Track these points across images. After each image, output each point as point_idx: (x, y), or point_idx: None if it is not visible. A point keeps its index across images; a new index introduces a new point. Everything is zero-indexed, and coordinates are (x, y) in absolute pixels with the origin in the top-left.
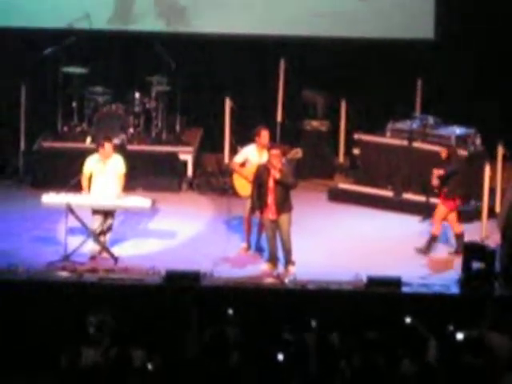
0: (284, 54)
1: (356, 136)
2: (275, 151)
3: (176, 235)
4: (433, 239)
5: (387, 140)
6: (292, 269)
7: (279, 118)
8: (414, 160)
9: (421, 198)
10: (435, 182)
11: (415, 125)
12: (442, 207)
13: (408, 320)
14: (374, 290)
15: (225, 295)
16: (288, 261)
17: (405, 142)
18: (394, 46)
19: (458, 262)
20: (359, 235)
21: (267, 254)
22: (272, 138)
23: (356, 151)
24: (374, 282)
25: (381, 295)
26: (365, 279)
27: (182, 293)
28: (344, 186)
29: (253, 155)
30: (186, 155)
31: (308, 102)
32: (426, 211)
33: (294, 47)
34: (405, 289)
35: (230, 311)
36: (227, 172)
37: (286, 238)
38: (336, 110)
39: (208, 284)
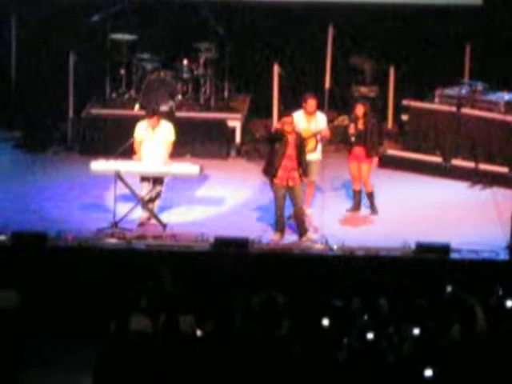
0: (332, 19)
1: (404, 102)
2: (289, 119)
3: (224, 202)
4: (361, 194)
5: (436, 106)
6: (308, 237)
7: (327, 84)
8: (462, 126)
9: (469, 164)
10: (352, 130)
11: (464, 91)
12: (366, 165)
13: (449, 288)
14: (422, 257)
15: (273, 262)
16: (302, 230)
17: (453, 108)
18: (442, 11)
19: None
20: (408, 201)
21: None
22: (320, 105)
23: (404, 117)
24: (422, 248)
25: (429, 261)
26: (413, 245)
27: (231, 259)
28: (392, 152)
29: (301, 121)
30: (235, 122)
31: (356, 68)
32: (474, 177)
33: (342, 13)
34: (453, 255)
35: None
36: (260, 138)
37: (299, 208)
38: (384, 75)
39: (256, 251)
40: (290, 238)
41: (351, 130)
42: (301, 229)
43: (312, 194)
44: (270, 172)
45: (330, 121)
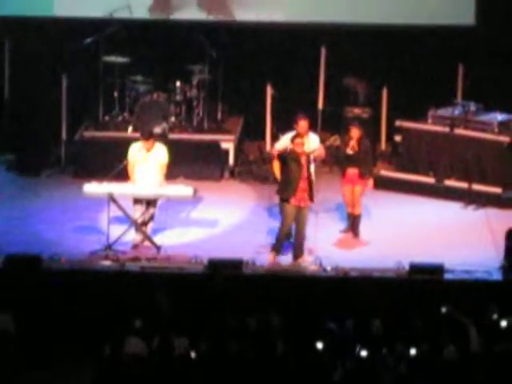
0: (325, 41)
1: (398, 123)
2: (298, 140)
3: (218, 224)
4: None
5: (429, 127)
6: (302, 261)
7: (320, 105)
8: (455, 146)
9: (463, 185)
10: (350, 151)
11: (457, 111)
12: (359, 187)
13: (444, 309)
14: (416, 278)
15: (267, 283)
16: (299, 253)
17: (447, 129)
18: (435, 31)
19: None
20: (401, 222)
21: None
22: (313, 125)
23: (398, 138)
24: (416, 269)
25: (423, 282)
26: (407, 267)
27: (225, 281)
28: (386, 172)
29: None
30: (228, 143)
31: (349, 89)
32: (468, 197)
33: (335, 34)
34: (447, 276)
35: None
36: (268, 159)
37: (302, 230)
38: (377, 97)
39: (250, 272)
40: (284, 258)
41: (349, 149)
42: (298, 251)
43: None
44: (286, 192)
45: (321, 141)
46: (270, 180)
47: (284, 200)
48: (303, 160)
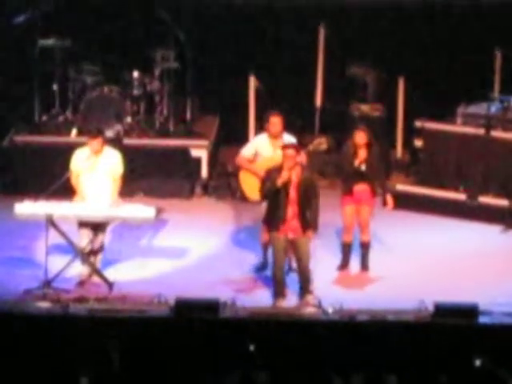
0: (324, 19)
1: (418, 124)
2: (290, 151)
3: (187, 253)
4: (351, 247)
5: (458, 128)
6: (311, 299)
7: (318, 101)
8: (492, 153)
9: (502, 202)
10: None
11: (494, 108)
12: (367, 208)
13: (478, 361)
14: (442, 321)
15: (251, 330)
16: (305, 290)
17: (481, 131)
18: (467, 7)
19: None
20: (423, 250)
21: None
22: (309, 127)
23: (418, 143)
24: (443, 310)
25: (452, 327)
26: (431, 307)
27: (195, 327)
28: (403, 187)
29: (264, 147)
30: (200, 150)
31: (356, 81)
32: (508, 218)
33: (337, 11)
34: (482, 319)
35: (253, 349)
36: (234, 172)
37: (305, 263)
38: (392, 90)
39: (229, 315)
40: (264, 294)
41: (358, 161)
42: (303, 290)
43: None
44: (272, 221)
45: (304, 145)
46: (235, 196)
47: (271, 231)
48: (294, 176)
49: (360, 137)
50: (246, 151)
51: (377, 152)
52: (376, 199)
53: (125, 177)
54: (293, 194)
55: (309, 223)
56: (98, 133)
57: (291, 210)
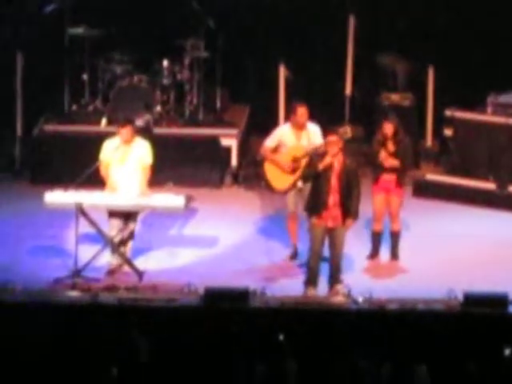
0: (353, 7)
1: (448, 113)
2: (332, 137)
3: (217, 242)
4: (381, 236)
5: (488, 117)
6: (341, 288)
7: (348, 90)
8: None
9: None
10: (383, 156)
11: None
12: (397, 198)
13: (507, 351)
14: (472, 311)
15: (280, 319)
16: (336, 279)
17: (511, 121)
18: None
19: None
20: (453, 240)
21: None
22: (339, 116)
23: (448, 132)
24: (472, 299)
25: (482, 317)
26: (461, 296)
27: (225, 317)
28: (433, 176)
29: (288, 137)
30: (230, 139)
31: (386, 70)
32: None
33: (366, 0)
34: None
35: (282, 338)
36: (260, 162)
37: (339, 253)
38: (421, 79)
39: (258, 305)
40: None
41: (382, 156)
42: (332, 280)
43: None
44: (314, 209)
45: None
46: (260, 186)
47: (309, 218)
48: (336, 164)
49: (388, 128)
50: (270, 142)
51: (407, 143)
52: (405, 189)
53: (154, 166)
54: (334, 181)
55: (349, 211)
56: (128, 122)
57: (332, 198)
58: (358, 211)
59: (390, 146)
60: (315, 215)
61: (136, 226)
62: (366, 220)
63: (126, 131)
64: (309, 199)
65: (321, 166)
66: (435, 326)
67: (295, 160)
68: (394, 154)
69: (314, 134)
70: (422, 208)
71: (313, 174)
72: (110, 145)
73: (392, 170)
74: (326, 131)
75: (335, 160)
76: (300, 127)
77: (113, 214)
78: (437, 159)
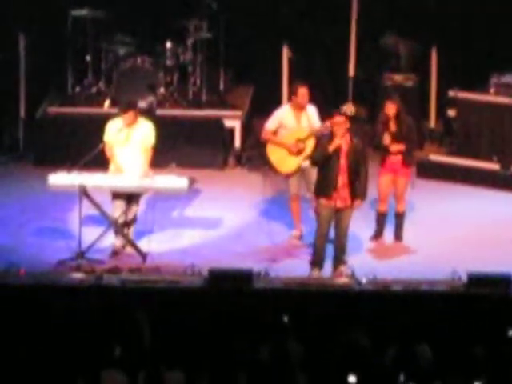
0: None
1: (451, 93)
2: (340, 118)
3: (221, 224)
4: (386, 217)
5: (491, 98)
6: (345, 269)
7: (351, 71)
8: None
9: None
10: (387, 140)
11: None
12: (403, 178)
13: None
14: (476, 291)
15: (284, 300)
16: (339, 260)
17: None
18: None
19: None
20: (456, 220)
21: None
22: (342, 97)
23: (451, 113)
24: (476, 280)
25: (485, 297)
26: (465, 277)
27: (229, 298)
28: (436, 157)
29: (288, 119)
30: (233, 121)
31: (388, 51)
32: None
33: None
34: None
35: (286, 319)
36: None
37: (344, 233)
38: (425, 60)
39: (262, 286)
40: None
41: (386, 139)
42: (338, 260)
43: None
44: (323, 190)
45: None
46: (264, 169)
47: (317, 199)
48: (344, 145)
49: (390, 108)
50: (271, 124)
51: (410, 124)
52: (411, 169)
53: (157, 148)
54: (343, 162)
55: (357, 192)
56: (129, 107)
57: (341, 179)
58: (367, 192)
59: (393, 127)
60: (324, 197)
61: (139, 208)
62: (369, 200)
63: (127, 116)
64: (318, 181)
65: (330, 148)
66: (439, 307)
67: (299, 141)
68: (397, 135)
69: (312, 115)
70: (426, 189)
71: (323, 156)
72: (113, 126)
73: (397, 152)
74: (330, 112)
75: (343, 140)
76: (300, 108)
77: (116, 195)
78: (440, 140)
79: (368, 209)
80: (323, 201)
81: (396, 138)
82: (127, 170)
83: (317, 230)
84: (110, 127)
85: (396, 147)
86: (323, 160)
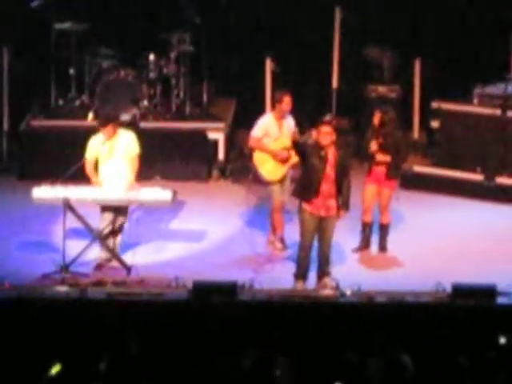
0: (340, 0)
1: (434, 105)
2: (326, 128)
3: (205, 236)
4: (372, 228)
5: (475, 109)
6: (329, 281)
7: (335, 83)
8: (509, 134)
9: None
10: (374, 147)
11: (510, 89)
12: (387, 190)
13: (503, 340)
14: (461, 303)
15: (268, 312)
16: (323, 272)
17: (497, 112)
18: None
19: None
20: (441, 231)
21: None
22: (326, 109)
23: (435, 124)
24: (460, 291)
25: (470, 309)
26: (449, 288)
27: (213, 310)
28: (420, 168)
29: (272, 127)
30: (217, 133)
31: (372, 63)
32: None
33: None
34: (501, 300)
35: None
36: (248, 154)
37: (328, 243)
38: (408, 71)
39: (247, 298)
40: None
41: (373, 146)
42: (322, 271)
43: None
44: (303, 196)
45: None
46: (249, 178)
47: (301, 207)
48: (330, 154)
49: (376, 117)
50: (257, 132)
51: (398, 138)
52: (396, 181)
53: (142, 160)
54: (330, 172)
55: (341, 202)
56: (107, 121)
57: (328, 188)
58: (349, 202)
59: (379, 137)
60: (305, 201)
61: (125, 220)
62: (357, 211)
63: (107, 130)
64: (298, 185)
65: (316, 160)
66: (424, 319)
67: (285, 150)
68: (383, 145)
69: (291, 124)
70: (410, 200)
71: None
72: (95, 141)
73: (382, 163)
74: (312, 123)
75: (329, 151)
76: (282, 117)
77: (104, 207)
78: (424, 151)
79: (353, 219)
80: (308, 208)
81: (382, 149)
82: (112, 181)
83: (300, 241)
84: (92, 143)
85: (382, 157)
86: (305, 166)
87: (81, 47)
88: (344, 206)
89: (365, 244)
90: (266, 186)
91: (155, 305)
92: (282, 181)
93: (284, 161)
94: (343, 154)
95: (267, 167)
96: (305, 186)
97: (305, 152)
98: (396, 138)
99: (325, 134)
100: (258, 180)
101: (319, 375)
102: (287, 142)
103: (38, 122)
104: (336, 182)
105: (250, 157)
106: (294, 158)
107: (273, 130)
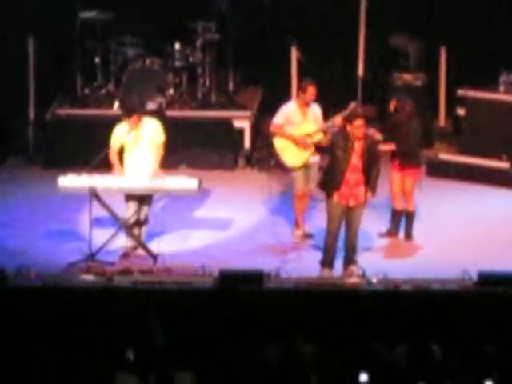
0: None
1: (460, 92)
2: (359, 121)
3: (231, 225)
4: (402, 216)
5: (501, 96)
6: (355, 269)
7: (360, 71)
8: None
9: None
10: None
11: None
12: (409, 178)
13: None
14: (487, 290)
15: (295, 301)
16: (350, 260)
17: None
18: None
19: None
20: (466, 219)
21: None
22: (351, 96)
23: (461, 111)
24: (486, 279)
25: (496, 296)
26: (475, 276)
27: (240, 298)
28: (446, 156)
29: (295, 115)
30: (243, 121)
31: (398, 51)
32: None
33: None
34: None
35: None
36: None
37: (355, 233)
38: (434, 59)
39: (273, 286)
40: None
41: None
42: (349, 259)
43: (305, 207)
44: (329, 186)
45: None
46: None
47: (328, 197)
48: (357, 145)
49: (391, 106)
50: (279, 119)
51: (412, 125)
52: (418, 170)
53: (167, 149)
54: (358, 162)
55: (368, 187)
56: (132, 110)
57: (356, 177)
58: (376, 187)
59: (389, 126)
60: (333, 192)
61: (150, 209)
62: (380, 199)
63: (132, 120)
64: (323, 175)
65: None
66: (449, 306)
67: (307, 136)
68: (389, 136)
69: (317, 112)
70: (436, 188)
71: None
72: (120, 130)
73: (389, 151)
74: (336, 111)
75: (356, 143)
76: (306, 104)
77: (129, 196)
78: (450, 139)
79: (382, 207)
80: (336, 198)
81: (390, 138)
82: (139, 170)
83: (327, 228)
84: (117, 131)
85: (385, 146)
86: (332, 156)
87: (106, 36)
88: (371, 189)
89: (393, 230)
90: (288, 172)
91: (181, 293)
92: (304, 167)
93: (306, 147)
94: (371, 144)
95: (289, 153)
96: (329, 176)
97: (334, 145)
98: (409, 127)
99: (358, 127)
100: (280, 166)
101: (346, 363)
102: (311, 129)
103: (64, 111)
104: (364, 171)
105: (270, 143)
106: (318, 142)
107: (296, 117)
